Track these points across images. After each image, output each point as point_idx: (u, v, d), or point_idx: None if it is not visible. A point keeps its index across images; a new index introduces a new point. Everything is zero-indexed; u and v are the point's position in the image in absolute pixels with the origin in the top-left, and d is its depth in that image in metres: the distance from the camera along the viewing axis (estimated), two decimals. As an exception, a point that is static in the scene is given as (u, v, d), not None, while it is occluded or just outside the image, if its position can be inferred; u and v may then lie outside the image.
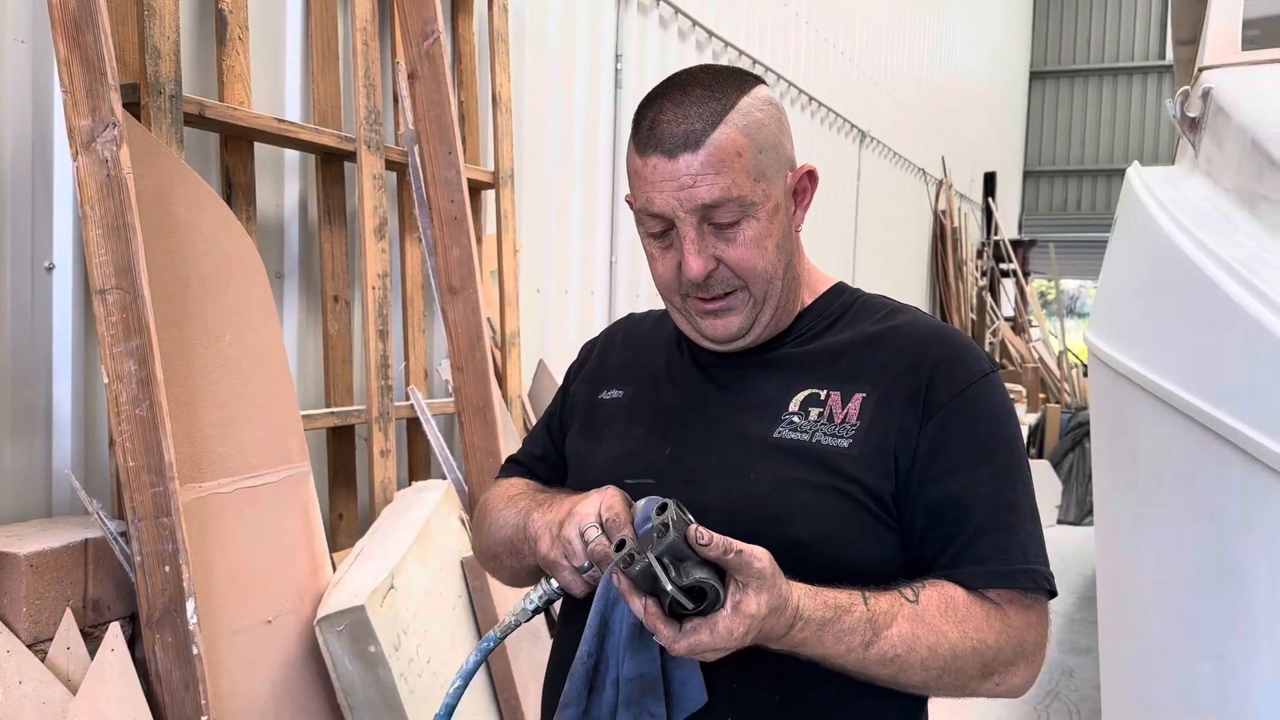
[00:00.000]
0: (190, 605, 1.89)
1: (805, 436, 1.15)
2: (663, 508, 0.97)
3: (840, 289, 1.30)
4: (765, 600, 0.98)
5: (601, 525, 1.07)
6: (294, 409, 2.27)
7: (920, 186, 10.08)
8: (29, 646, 1.84)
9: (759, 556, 0.98)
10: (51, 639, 1.88)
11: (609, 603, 1.08)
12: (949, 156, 10.96)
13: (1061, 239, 15.99)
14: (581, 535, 1.08)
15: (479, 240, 3.22)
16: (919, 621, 1.07)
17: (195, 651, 1.88)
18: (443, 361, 3.04)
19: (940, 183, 10.74)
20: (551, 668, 1.26)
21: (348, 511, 2.76)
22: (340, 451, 2.75)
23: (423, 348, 3.03)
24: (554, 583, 1.13)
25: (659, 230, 1.15)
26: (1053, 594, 1.14)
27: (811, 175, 1.21)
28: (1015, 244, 12.85)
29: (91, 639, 1.92)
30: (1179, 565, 1.67)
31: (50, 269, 2.13)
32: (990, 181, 13.06)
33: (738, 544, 0.97)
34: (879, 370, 1.17)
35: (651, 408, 1.27)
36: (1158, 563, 1.80)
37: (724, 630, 0.97)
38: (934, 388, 1.15)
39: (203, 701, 1.88)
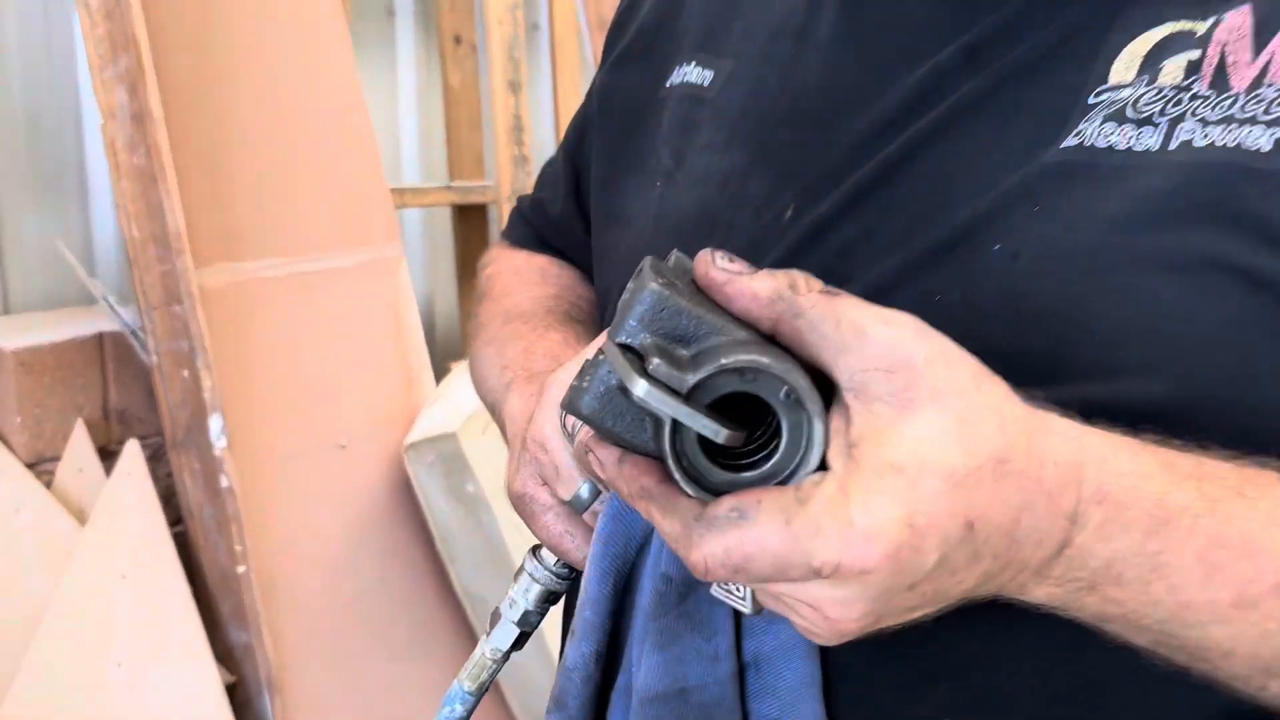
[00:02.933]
0: (214, 423, 1.41)
1: (1150, 140, 0.45)
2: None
3: None
4: (936, 421, 0.35)
5: None
6: (377, 172, 1.71)
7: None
8: (30, 467, 1.44)
9: (887, 318, 0.36)
10: (58, 458, 1.47)
11: (623, 547, 0.50)
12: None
13: None
14: (565, 427, 0.52)
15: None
16: None
17: (225, 483, 1.42)
18: (604, 129, 2.40)
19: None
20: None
21: (482, 313, 2.25)
22: (470, 239, 2.22)
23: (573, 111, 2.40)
24: (541, 561, 0.56)
25: None
26: None
27: None
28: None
29: (116, 459, 1.51)
30: None
31: (66, -13, 1.64)
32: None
33: (805, 280, 0.38)
34: None
35: (767, 102, 0.57)
36: None
37: (824, 516, 0.34)
38: None
39: (238, 547, 1.43)
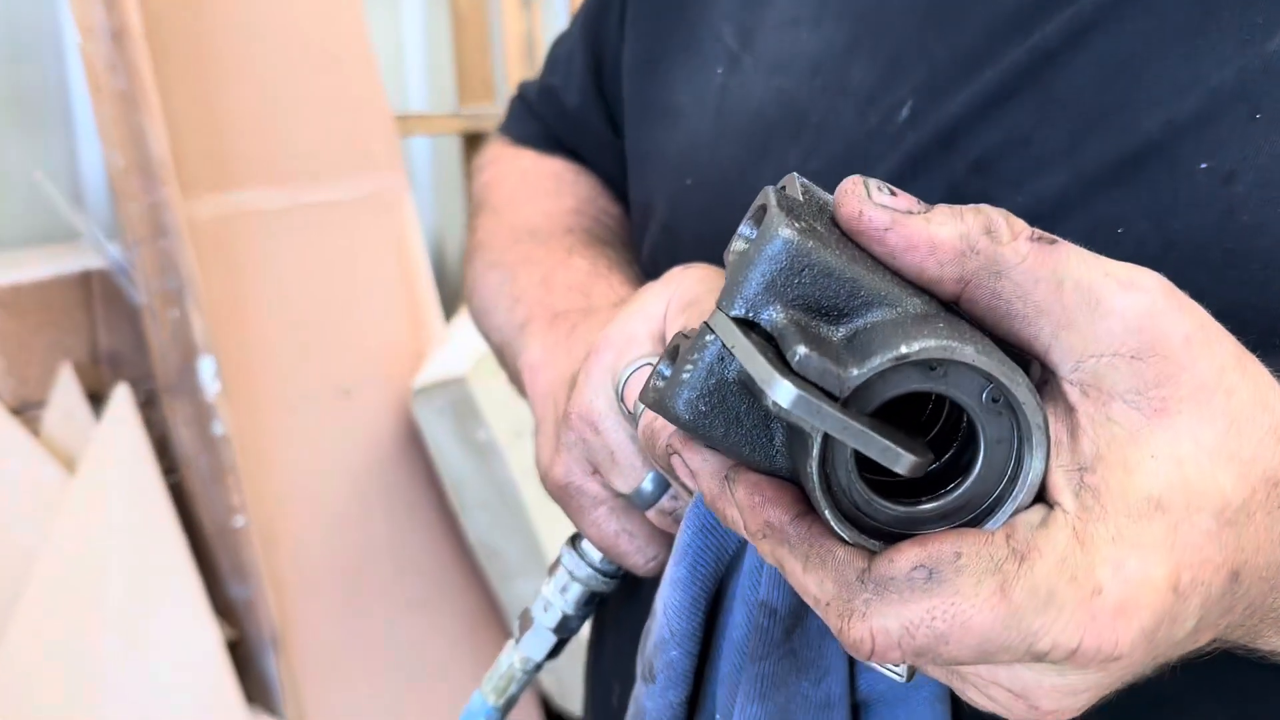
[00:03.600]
0: (206, 366, 1.32)
1: None
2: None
3: None
4: (1201, 432, 0.24)
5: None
6: (378, 96, 1.59)
7: None
8: (14, 414, 1.36)
9: (1128, 278, 0.25)
10: (45, 404, 1.39)
11: (714, 566, 0.39)
12: None
13: None
14: (622, 401, 0.40)
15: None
16: None
17: (219, 430, 1.34)
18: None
19: None
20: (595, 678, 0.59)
21: (494, 249, 2.14)
22: (481, 169, 2.10)
23: (594, 33, 2.26)
24: (583, 555, 0.45)
25: None
26: None
27: None
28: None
29: (106, 405, 1.43)
30: None
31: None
32: None
33: (1006, 221, 0.26)
34: None
35: None
36: None
37: (1058, 580, 0.23)
38: None
39: (234, 498, 1.35)
